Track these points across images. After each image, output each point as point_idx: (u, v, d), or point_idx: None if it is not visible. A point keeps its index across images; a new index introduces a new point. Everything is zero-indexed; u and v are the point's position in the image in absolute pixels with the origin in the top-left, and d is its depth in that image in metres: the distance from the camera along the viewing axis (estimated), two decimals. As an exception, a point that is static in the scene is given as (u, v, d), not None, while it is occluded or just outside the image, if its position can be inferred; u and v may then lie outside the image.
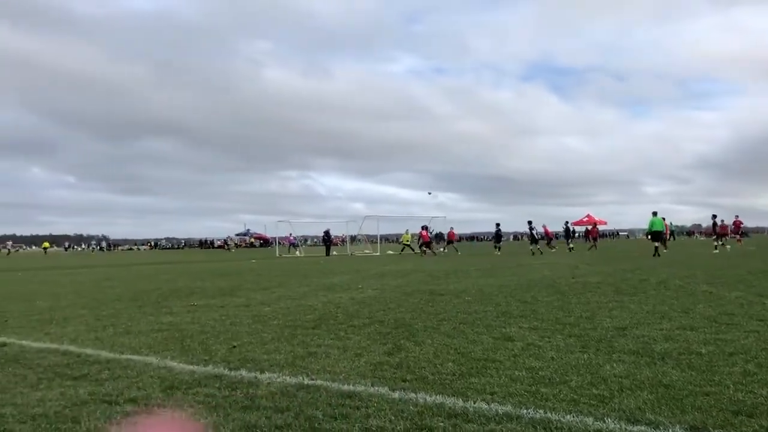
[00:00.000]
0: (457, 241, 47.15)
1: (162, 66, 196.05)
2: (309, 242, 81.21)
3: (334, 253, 46.94)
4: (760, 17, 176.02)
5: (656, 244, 27.33)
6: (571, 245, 38.19)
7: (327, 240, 46.08)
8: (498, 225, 38.61)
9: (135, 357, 6.40)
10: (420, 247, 38.19)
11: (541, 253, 33.23)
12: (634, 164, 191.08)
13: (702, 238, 75.46)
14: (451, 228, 43.25)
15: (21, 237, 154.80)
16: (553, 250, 37.25)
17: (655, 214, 28.76)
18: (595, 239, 42.18)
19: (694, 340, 6.53)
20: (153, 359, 6.25)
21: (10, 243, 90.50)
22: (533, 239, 35.18)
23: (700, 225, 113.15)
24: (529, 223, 35.39)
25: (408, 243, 43.87)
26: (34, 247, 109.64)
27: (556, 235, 46.88)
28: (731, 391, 4.53)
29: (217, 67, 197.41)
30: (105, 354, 6.61)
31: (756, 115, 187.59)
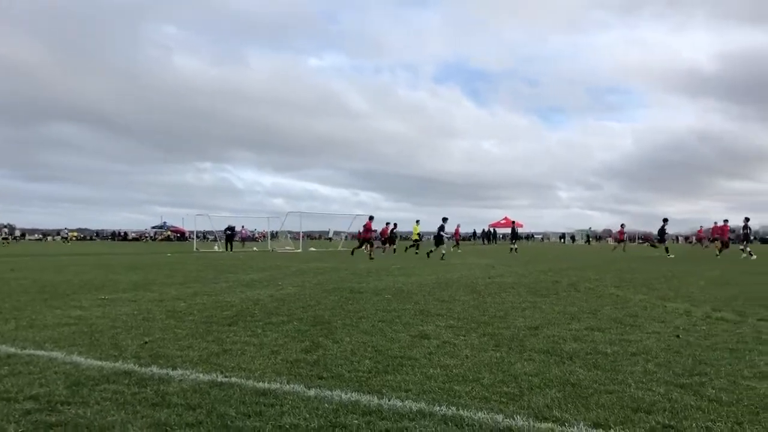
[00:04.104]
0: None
1: (66, 47, 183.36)
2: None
3: (255, 248, 46.70)
4: (661, 32, 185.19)
5: None
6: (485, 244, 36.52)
7: (230, 235, 44.95)
8: (444, 220, 30.97)
9: (39, 352, 6.11)
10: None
11: (442, 258, 28.39)
12: (547, 169, 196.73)
13: (612, 243, 78.80)
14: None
15: None
16: (459, 251, 37.25)
17: None
18: (620, 241, 42.36)
19: (600, 341, 6.82)
20: (58, 354, 5.99)
21: (65, 230, 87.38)
22: (439, 240, 30.60)
23: (610, 231, 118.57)
24: (444, 219, 30.77)
25: (418, 238, 37.01)
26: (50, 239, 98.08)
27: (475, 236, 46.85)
28: (632, 389, 4.77)
29: (125, 51, 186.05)
30: (5, 349, 6.27)
31: (657, 126, 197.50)
